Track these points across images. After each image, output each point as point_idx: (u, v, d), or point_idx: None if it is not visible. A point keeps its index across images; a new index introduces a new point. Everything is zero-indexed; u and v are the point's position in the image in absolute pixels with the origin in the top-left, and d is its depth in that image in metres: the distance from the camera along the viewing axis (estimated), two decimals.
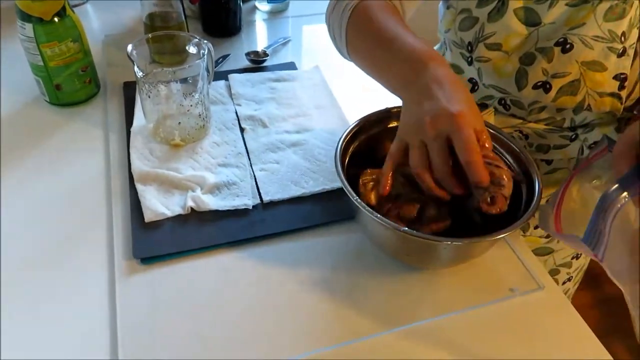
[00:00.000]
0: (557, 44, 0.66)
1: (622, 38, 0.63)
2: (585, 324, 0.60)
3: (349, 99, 0.90)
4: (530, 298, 0.62)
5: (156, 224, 0.66)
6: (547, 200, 0.65)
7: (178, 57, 0.82)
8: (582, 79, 0.67)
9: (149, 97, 0.74)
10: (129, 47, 0.72)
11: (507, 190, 0.55)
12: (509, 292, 0.63)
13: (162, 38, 0.81)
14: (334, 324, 0.58)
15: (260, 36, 1.12)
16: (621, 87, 0.67)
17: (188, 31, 0.97)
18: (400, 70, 0.59)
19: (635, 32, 0.63)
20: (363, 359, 0.56)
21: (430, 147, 0.53)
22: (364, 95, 0.92)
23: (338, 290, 0.62)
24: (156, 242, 0.64)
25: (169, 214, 0.67)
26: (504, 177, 0.55)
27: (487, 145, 0.55)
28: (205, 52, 0.75)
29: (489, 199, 0.55)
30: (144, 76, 0.71)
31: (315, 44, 1.10)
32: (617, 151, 0.55)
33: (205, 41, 0.77)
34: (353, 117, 0.69)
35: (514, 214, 0.58)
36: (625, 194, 0.51)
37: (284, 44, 1.06)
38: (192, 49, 0.77)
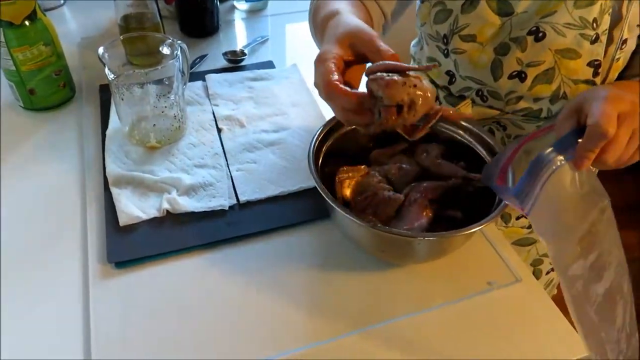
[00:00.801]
0: (529, 33, 0.65)
1: (594, 24, 0.63)
2: (562, 316, 0.60)
3: None
4: (508, 291, 0.62)
5: (131, 227, 0.66)
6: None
7: (153, 59, 0.81)
8: (556, 67, 0.67)
9: (123, 99, 0.73)
10: (100, 50, 0.71)
11: (391, 98, 0.50)
12: (486, 286, 0.62)
13: (136, 39, 0.80)
14: (313, 322, 0.58)
15: (239, 35, 1.11)
16: (595, 74, 0.67)
17: (164, 32, 0.96)
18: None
19: (607, 18, 0.63)
20: (342, 357, 0.55)
21: None
22: None
23: (317, 289, 0.61)
24: (131, 245, 0.64)
25: (144, 216, 0.67)
26: (381, 87, 0.50)
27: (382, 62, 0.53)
28: (178, 53, 0.74)
29: (379, 115, 0.52)
30: (115, 78, 0.70)
31: (294, 42, 1.10)
32: (561, 116, 0.55)
33: (179, 41, 0.76)
34: (331, 115, 0.68)
35: (489, 207, 0.58)
36: (561, 157, 0.51)
37: (263, 42, 1.05)
38: (165, 50, 0.76)
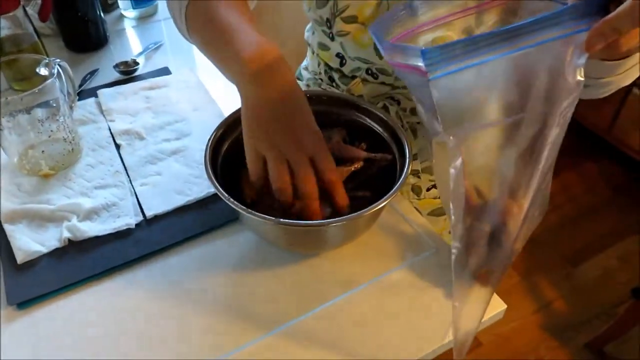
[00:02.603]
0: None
1: None
2: None
3: (228, 97, 0.88)
4: (424, 262, 0.63)
5: (31, 264, 0.62)
6: None
7: (35, 82, 0.76)
8: None
9: (2, 129, 0.68)
10: None
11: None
12: (402, 260, 0.63)
13: (11, 63, 0.75)
14: (237, 327, 0.57)
15: (133, 44, 1.07)
16: None
17: (46, 51, 0.90)
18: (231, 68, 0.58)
19: None
20: (269, 356, 0.54)
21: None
22: None
23: (237, 293, 0.60)
24: (33, 283, 0.60)
25: (44, 250, 0.63)
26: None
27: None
28: (57, 71, 0.70)
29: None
30: None
31: (190, 45, 1.06)
32: None
33: (57, 59, 0.72)
34: (229, 112, 0.66)
35: (392, 183, 0.59)
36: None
37: (156, 49, 1.02)
38: (43, 71, 0.71)
